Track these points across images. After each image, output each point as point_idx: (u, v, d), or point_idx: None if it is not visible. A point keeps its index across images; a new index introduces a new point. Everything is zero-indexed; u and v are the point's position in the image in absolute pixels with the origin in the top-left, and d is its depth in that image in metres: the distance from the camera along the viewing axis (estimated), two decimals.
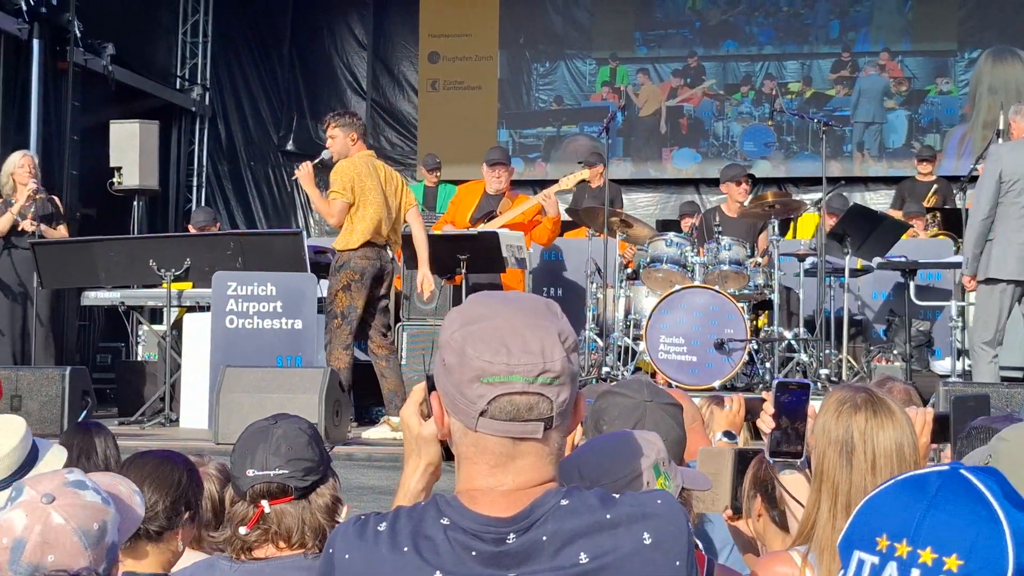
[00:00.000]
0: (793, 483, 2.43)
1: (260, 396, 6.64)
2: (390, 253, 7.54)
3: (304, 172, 7.35)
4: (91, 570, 1.90)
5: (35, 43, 11.07)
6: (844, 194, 10.97)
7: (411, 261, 8.38)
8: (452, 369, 1.63)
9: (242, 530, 2.38)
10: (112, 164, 10.85)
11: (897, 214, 10.04)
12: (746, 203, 8.86)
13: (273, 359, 7.69)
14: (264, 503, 2.38)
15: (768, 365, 8.00)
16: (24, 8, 10.87)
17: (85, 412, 7.08)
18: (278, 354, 7.83)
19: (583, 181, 10.85)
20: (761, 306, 8.60)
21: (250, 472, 2.39)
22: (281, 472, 2.39)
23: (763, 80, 14.00)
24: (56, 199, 8.93)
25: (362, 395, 8.63)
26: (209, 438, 6.84)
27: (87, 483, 1.89)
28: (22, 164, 8.58)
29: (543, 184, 8.93)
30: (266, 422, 2.48)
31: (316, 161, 7.53)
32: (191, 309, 8.66)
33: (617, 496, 1.64)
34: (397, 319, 9.03)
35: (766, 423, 2.36)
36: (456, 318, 1.67)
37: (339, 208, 7.11)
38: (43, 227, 8.58)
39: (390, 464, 6.23)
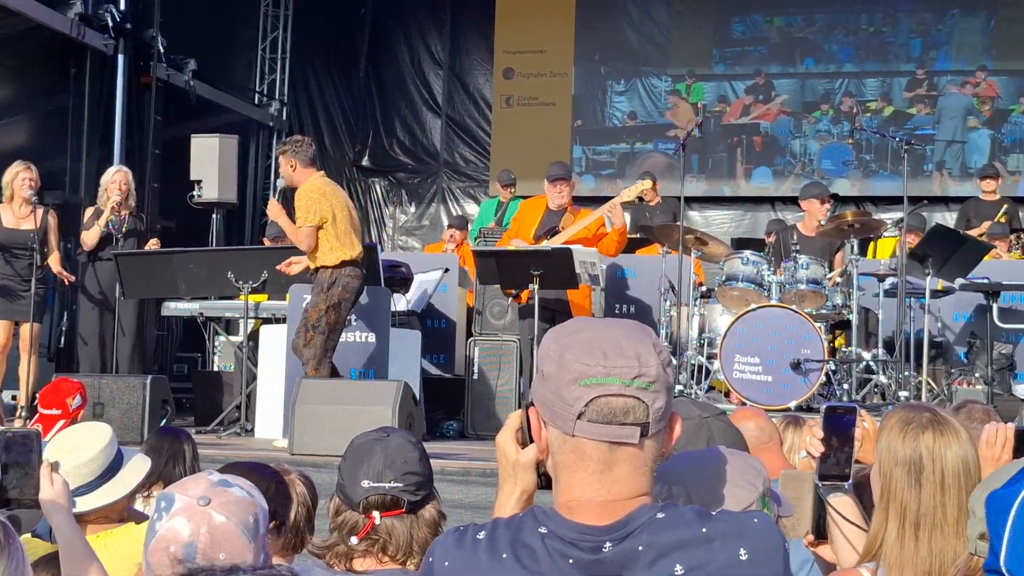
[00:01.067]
0: (840, 506, 2.42)
1: (335, 408, 6.68)
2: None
3: (271, 208, 7.56)
4: (257, 563, 1.93)
5: (120, 58, 11.33)
6: (923, 214, 10.80)
7: (484, 276, 8.40)
8: (550, 376, 1.66)
9: (353, 540, 2.41)
10: (192, 177, 11.02)
11: (978, 232, 9.87)
12: (823, 222, 8.75)
13: (347, 372, 7.75)
14: (376, 515, 2.41)
15: (846, 386, 7.88)
16: (110, 24, 11.11)
17: (164, 420, 7.20)
18: (352, 367, 7.89)
19: (641, 200, 10.80)
20: (839, 326, 8.48)
21: (365, 483, 2.41)
22: (395, 485, 2.42)
23: (842, 98, 13.86)
24: (143, 216, 9.09)
25: (433, 409, 8.67)
26: (284, 448, 6.90)
27: (229, 481, 1.94)
28: (113, 179, 8.78)
29: (609, 199, 8.83)
30: (377, 434, 2.51)
31: (277, 195, 7.64)
32: (267, 321, 8.76)
33: (714, 513, 1.66)
34: (469, 334, 9.06)
35: (815, 447, 2.35)
36: (554, 333, 1.72)
37: (306, 233, 7.24)
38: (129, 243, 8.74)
39: (462, 478, 6.24)
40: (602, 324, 1.70)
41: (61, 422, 4.49)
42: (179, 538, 1.90)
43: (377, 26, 15.02)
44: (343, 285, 7.24)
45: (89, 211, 8.86)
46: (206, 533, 1.89)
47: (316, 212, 7.20)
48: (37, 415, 4.67)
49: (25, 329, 8.29)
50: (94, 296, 8.70)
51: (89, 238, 8.65)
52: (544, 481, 1.80)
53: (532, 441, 1.80)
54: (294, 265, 7.60)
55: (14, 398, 8.16)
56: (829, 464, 2.33)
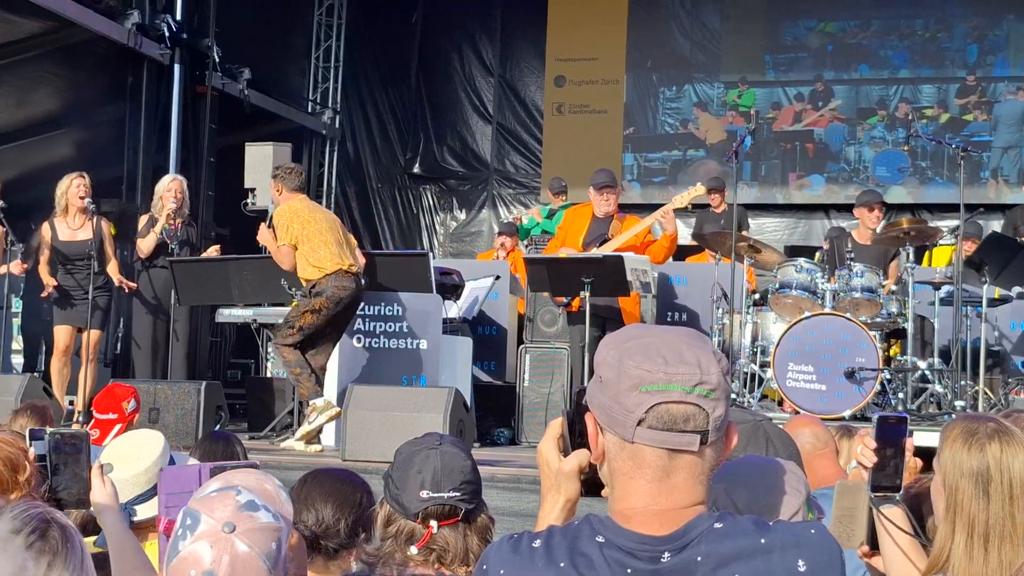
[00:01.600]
0: (892, 517, 2.39)
1: (386, 415, 6.71)
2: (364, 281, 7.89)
3: (261, 234, 7.82)
4: None
5: (176, 68, 11.47)
6: (980, 221, 10.66)
7: (535, 283, 8.40)
8: (609, 383, 1.65)
9: (413, 549, 2.41)
10: (246, 185, 11.11)
11: None
12: (878, 230, 8.67)
13: (398, 378, 7.78)
14: (434, 524, 2.41)
15: (901, 395, 7.80)
16: (166, 34, 11.26)
17: (218, 426, 7.27)
18: (403, 374, 7.92)
19: (706, 206, 10.74)
20: (894, 335, 8.39)
21: (424, 494, 2.41)
22: (453, 495, 2.42)
23: (897, 104, 13.72)
24: (194, 226, 9.17)
25: (484, 416, 8.68)
26: (336, 455, 6.94)
27: (256, 502, 1.92)
28: (169, 188, 8.88)
29: (656, 208, 8.79)
30: (428, 441, 2.51)
31: (268, 220, 7.81)
32: None
33: (771, 523, 1.65)
34: (520, 341, 9.06)
35: (867, 458, 2.32)
36: (612, 340, 1.70)
37: (285, 253, 7.46)
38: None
39: (512, 485, 6.24)
40: (661, 330, 1.69)
41: (117, 426, 4.55)
42: (200, 564, 1.88)
43: (428, 34, 15.09)
44: (328, 295, 7.40)
45: (143, 219, 8.96)
46: (227, 564, 1.87)
47: (287, 232, 7.43)
48: (93, 420, 4.73)
49: (88, 336, 8.41)
50: (149, 303, 8.80)
51: (145, 245, 8.76)
52: (586, 489, 1.79)
53: (575, 449, 1.80)
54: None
55: (71, 403, 8.28)
56: (881, 474, 2.30)
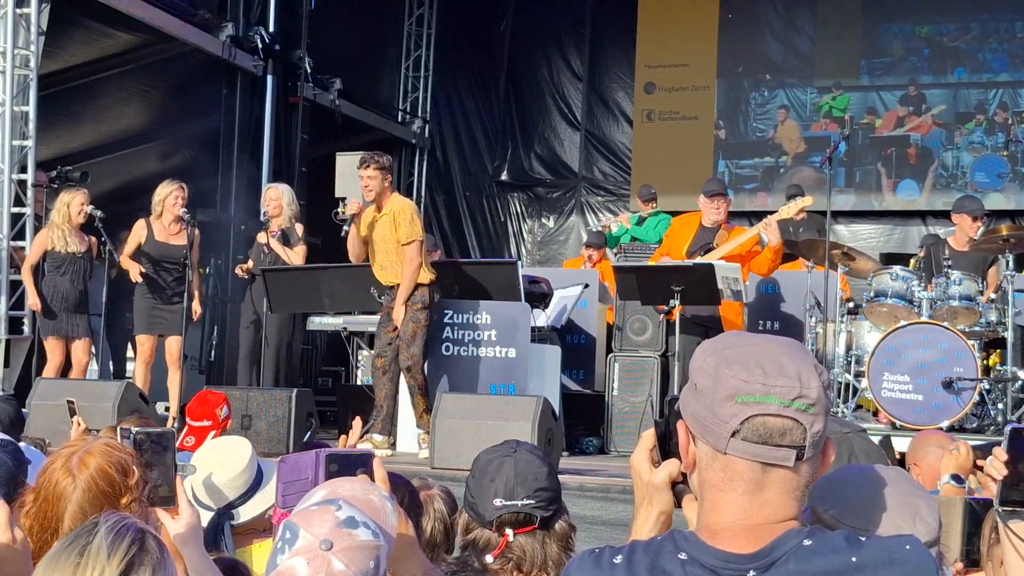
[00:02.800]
0: (1021, 531, 2.29)
1: (475, 423, 6.72)
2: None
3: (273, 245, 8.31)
4: None
5: (269, 79, 11.64)
6: None
7: (624, 292, 8.35)
8: (704, 391, 1.61)
9: (488, 558, 2.40)
10: (337, 195, 11.21)
11: None
12: (976, 239, 8.45)
13: (487, 387, 7.78)
14: (509, 532, 2.40)
15: (1000, 406, 7.60)
16: (260, 46, 11.43)
17: (309, 433, 7.33)
18: (491, 382, 7.92)
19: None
20: (993, 344, 8.18)
21: (497, 502, 2.40)
22: (528, 502, 2.40)
23: (996, 108, 13.39)
24: (299, 227, 9.29)
25: (573, 425, 8.65)
26: (425, 462, 6.96)
27: (356, 519, 1.90)
28: (267, 197, 9.05)
29: (759, 216, 8.73)
30: (504, 449, 2.50)
31: (351, 213, 7.68)
32: None
33: (863, 539, 1.59)
34: (609, 350, 9.02)
35: (997, 470, 2.23)
36: (708, 347, 1.66)
37: (416, 250, 7.54)
38: (279, 247, 8.92)
39: (601, 495, 6.20)
40: (760, 340, 1.64)
41: (212, 433, 4.61)
42: None
43: (517, 42, 15.12)
44: (432, 303, 7.59)
45: (260, 236, 9.09)
46: None
47: (415, 227, 7.49)
48: (187, 427, 4.80)
49: (172, 342, 8.56)
50: (249, 313, 8.94)
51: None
52: (680, 501, 1.76)
53: (665, 459, 1.76)
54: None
55: (167, 410, 8.42)
56: (1013, 488, 2.22)
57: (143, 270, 8.45)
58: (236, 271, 9.03)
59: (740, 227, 8.52)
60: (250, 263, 8.95)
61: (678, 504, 1.79)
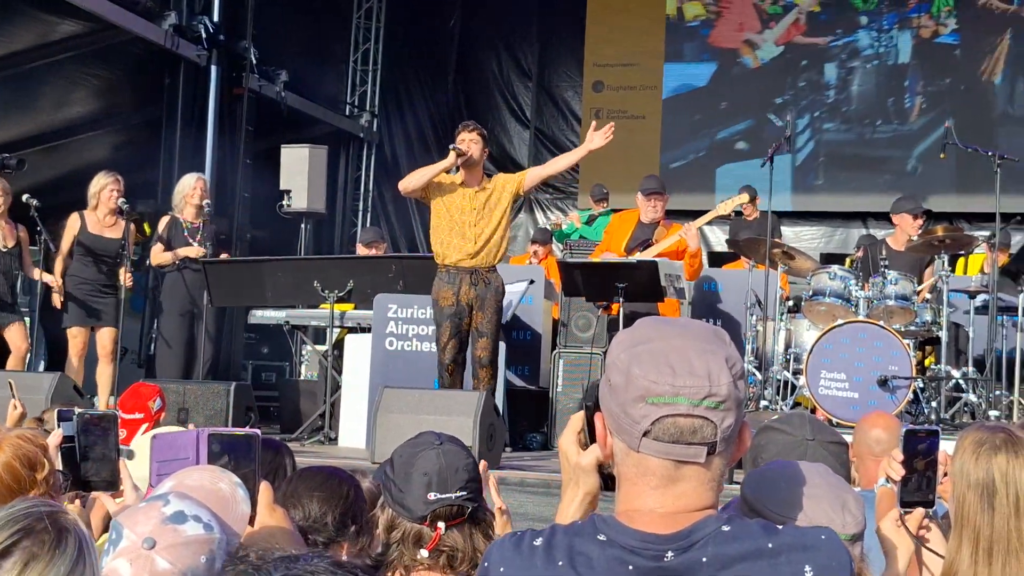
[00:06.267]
0: (932, 539, 2.34)
1: (417, 417, 6.71)
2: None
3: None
4: None
5: (213, 69, 11.53)
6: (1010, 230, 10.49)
7: (569, 288, 8.38)
8: (617, 389, 1.63)
9: (424, 552, 2.37)
10: (282, 187, 11.17)
11: None
12: (915, 238, 8.58)
13: (430, 381, 7.78)
14: (441, 525, 2.38)
15: (934, 404, 7.72)
16: (203, 36, 11.33)
17: (247, 427, 7.28)
18: (435, 377, 7.92)
19: (738, 213, 10.66)
20: (928, 343, 8.30)
21: (431, 496, 2.38)
22: (460, 494, 2.39)
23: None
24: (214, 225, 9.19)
25: (517, 420, 8.66)
26: (367, 457, 6.95)
27: (185, 513, 1.83)
28: (195, 187, 8.90)
29: (699, 214, 8.80)
30: (426, 441, 2.46)
31: (463, 156, 7.39)
32: (352, 330, 8.83)
33: (780, 527, 1.63)
34: (554, 346, 9.05)
35: (895, 471, 2.27)
36: (624, 339, 1.67)
37: None
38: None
39: (543, 490, 6.22)
40: (673, 333, 1.65)
41: (144, 426, 4.57)
42: None
43: (466, 38, 15.11)
44: None
45: (164, 220, 8.97)
46: None
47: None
48: (119, 420, 4.74)
49: (104, 335, 8.47)
50: (181, 303, 8.84)
51: (156, 259, 8.82)
52: (607, 483, 1.78)
53: (595, 442, 1.78)
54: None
55: (95, 403, 8.34)
56: (911, 489, 2.26)
57: (62, 299, 8.37)
58: (172, 256, 8.84)
59: (678, 224, 8.59)
60: (200, 250, 8.75)
61: (606, 486, 1.81)
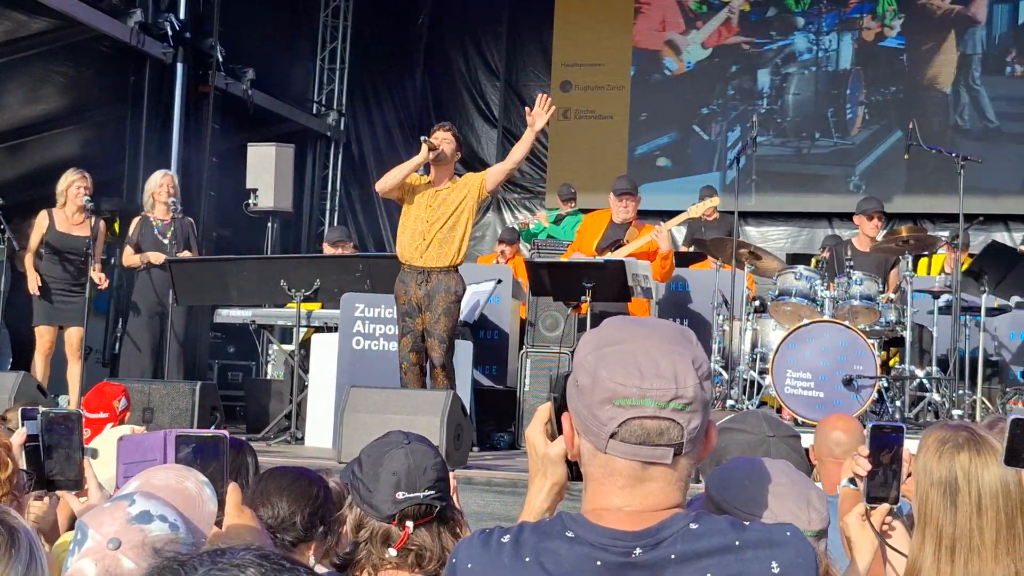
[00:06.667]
0: (895, 536, 2.36)
1: (383, 417, 6.69)
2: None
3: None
4: None
5: (179, 67, 11.47)
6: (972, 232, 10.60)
7: (537, 288, 8.39)
8: (584, 390, 1.63)
9: (391, 551, 2.37)
10: (248, 186, 11.11)
11: None
12: (879, 238, 8.67)
13: (397, 381, 7.77)
14: (410, 524, 2.38)
15: (899, 403, 7.78)
16: (169, 33, 11.26)
17: (213, 427, 7.25)
18: None
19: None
20: (893, 343, 8.38)
21: (399, 495, 2.38)
22: (429, 493, 2.39)
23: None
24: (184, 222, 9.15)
25: (484, 420, 8.67)
26: (333, 456, 6.93)
27: (151, 513, 1.82)
28: (161, 184, 8.86)
29: (671, 215, 8.86)
30: (394, 440, 2.47)
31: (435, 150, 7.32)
32: (319, 329, 8.81)
33: (747, 523, 1.64)
34: (521, 346, 9.06)
35: (861, 466, 2.30)
36: (591, 340, 1.68)
37: None
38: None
39: (510, 489, 6.22)
40: (640, 334, 1.65)
41: (108, 425, 4.54)
42: None
43: (434, 37, 15.09)
44: None
45: (135, 221, 8.93)
46: None
47: None
48: (83, 419, 4.71)
49: (72, 334, 8.41)
50: (147, 302, 8.79)
51: (127, 260, 8.77)
52: (574, 473, 1.78)
53: (561, 434, 1.79)
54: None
55: (68, 403, 8.27)
56: (876, 483, 2.28)
57: (40, 284, 8.33)
58: (140, 260, 8.81)
59: (650, 225, 8.64)
60: (160, 256, 8.72)
61: (572, 477, 1.81)
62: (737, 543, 1.58)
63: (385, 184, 7.27)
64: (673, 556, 1.57)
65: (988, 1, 13.32)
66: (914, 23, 13.60)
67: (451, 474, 2.52)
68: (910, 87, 13.58)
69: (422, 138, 7.16)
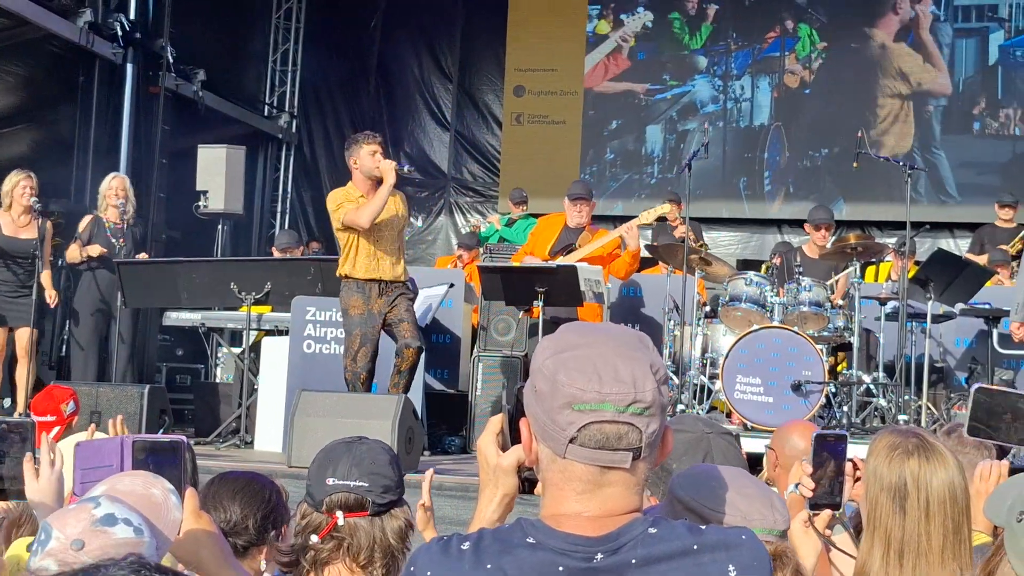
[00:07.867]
0: (839, 542, 2.40)
1: (334, 421, 6.67)
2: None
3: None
4: None
5: (129, 67, 11.36)
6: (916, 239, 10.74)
7: (489, 292, 8.40)
8: (543, 396, 1.64)
9: (314, 538, 2.37)
10: (198, 188, 11.02)
11: (980, 259, 9.85)
12: (828, 245, 8.77)
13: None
14: (339, 514, 2.38)
15: (846, 408, 7.87)
16: (119, 33, 11.15)
17: (162, 430, 7.20)
18: None
19: (662, 219, 10.79)
20: (840, 349, 8.47)
21: (330, 481, 2.39)
22: (360, 484, 2.39)
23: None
24: (139, 227, 9.08)
25: (436, 424, 8.65)
26: (283, 461, 6.89)
27: (116, 516, 1.83)
28: (110, 186, 8.80)
29: (623, 220, 8.91)
30: (350, 439, 2.50)
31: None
32: (270, 333, 8.76)
33: (703, 527, 1.66)
34: (473, 350, 9.06)
35: (805, 473, 2.33)
36: (549, 346, 1.68)
37: None
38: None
39: (460, 494, 6.22)
40: (598, 339, 1.66)
41: (56, 429, 4.49)
42: None
43: (387, 40, 15.06)
44: None
45: (86, 220, 8.86)
46: None
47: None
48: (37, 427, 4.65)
49: (21, 334, 8.31)
50: (93, 304, 8.70)
51: (71, 255, 8.69)
52: (525, 486, 1.79)
53: (516, 443, 1.80)
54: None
55: (12, 404, 8.18)
56: (820, 492, 2.31)
57: None
58: (80, 253, 8.72)
59: (604, 229, 8.69)
60: (100, 250, 8.65)
61: (523, 489, 1.82)
62: (695, 547, 1.60)
63: (376, 215, 7.08)
64: (634, 560, 1.58)
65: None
66: (843, 57, 13.20)
67: (428, 472, 2.50)
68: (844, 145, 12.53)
69: (397, 168, 7.04)
